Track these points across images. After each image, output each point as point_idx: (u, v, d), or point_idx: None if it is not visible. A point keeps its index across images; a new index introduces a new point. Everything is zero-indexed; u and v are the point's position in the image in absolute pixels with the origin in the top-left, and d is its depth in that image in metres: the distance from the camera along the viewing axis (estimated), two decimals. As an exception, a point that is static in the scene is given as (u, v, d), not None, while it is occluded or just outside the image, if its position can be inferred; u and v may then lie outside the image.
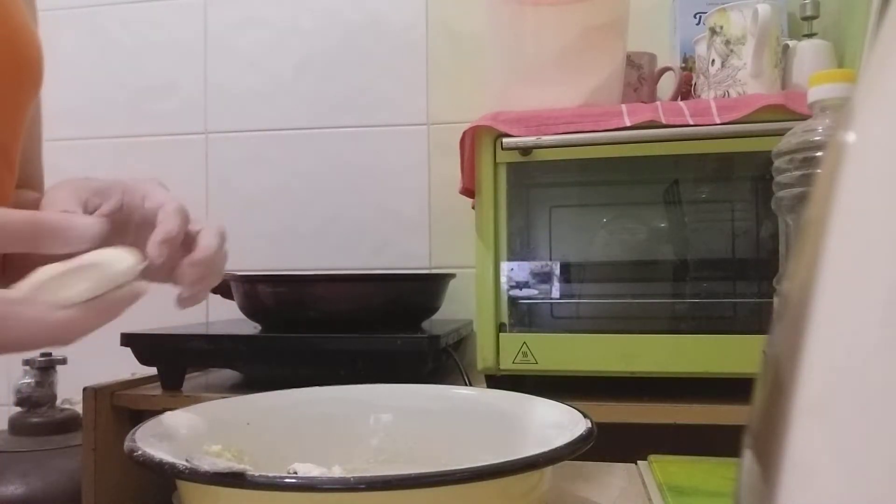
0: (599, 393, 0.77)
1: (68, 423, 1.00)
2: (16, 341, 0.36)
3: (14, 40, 0.50)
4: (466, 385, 0.79)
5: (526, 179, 0.85)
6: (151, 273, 0.43)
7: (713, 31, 0.83)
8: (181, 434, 0.41)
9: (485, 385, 0.79)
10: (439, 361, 0.85)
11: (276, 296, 0.89)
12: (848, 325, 0.14)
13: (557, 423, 0.41)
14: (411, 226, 1.19)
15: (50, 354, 1.01)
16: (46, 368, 1.01)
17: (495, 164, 0.80)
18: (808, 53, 0.86)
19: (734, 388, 0.68)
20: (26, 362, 1.01)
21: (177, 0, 1.28)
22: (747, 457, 0.17)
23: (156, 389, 0.86)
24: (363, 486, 0.30)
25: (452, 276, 0.99)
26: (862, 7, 0.84)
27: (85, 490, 0.79)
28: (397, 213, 1.19)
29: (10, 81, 0.51)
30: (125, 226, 0.50)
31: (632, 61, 0.95)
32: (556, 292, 0.84)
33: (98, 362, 0.87)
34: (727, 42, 0.81)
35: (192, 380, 0.94)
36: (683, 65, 0.99)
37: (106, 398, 0.82)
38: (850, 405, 0.13)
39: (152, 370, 0.88)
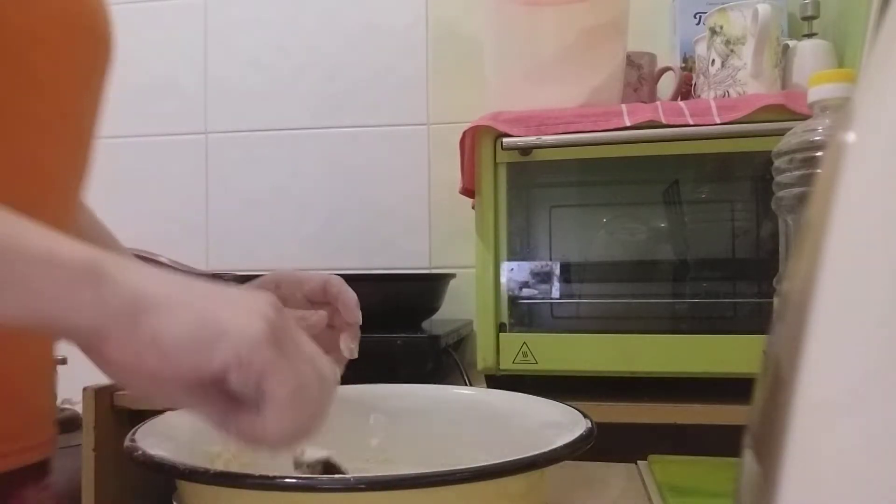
0: (599, 393, 0.77)
1: (68, 424, 1.00)
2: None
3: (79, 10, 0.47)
4: (466, 385, 0.79)
5: (526, 179, 0.85)
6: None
7: (713, 31, 0.83)
8: (181, 434, 0.41)
9: (485, 385, 0.79)
10: (439, 361, 0.85)
11: (276, 296, 0.89)
12: (848, 324, 0.14)
13: (557, 423, 0.41)
14: (411, 226, 1.19)
15: (50, 354, 1.01)
16: (46, 368, 1.01)
17: (495, 164, 0.80)
18: (808, 53, 0.86)
19: (734, 388, 0.68)
20: (26, 362, 1.01)
21: (177, 0, 1.28)
22: (747, 457, 0.17)
23: (156, 389, 0.86)
24: (363, 486, 0.30)
25: (452, 276, 0.99)
26: (862, 7, 0.84)
27: (85, 490, 0.79)
28: (397, 213, 1.19)
29: (81, 50, 0.47)
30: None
31: (632, 61, 0.94)
32: (555, 292, 0.84)
33: (98, 362, 0.87)
34: (727, 42, 0.81)
35: (192, 380, 0.94)
36: (683, 65, 0.99)
37: (106, 398, 0.82)
38: (849, 405, 0.13)
39: (152, 370, 0.88)
